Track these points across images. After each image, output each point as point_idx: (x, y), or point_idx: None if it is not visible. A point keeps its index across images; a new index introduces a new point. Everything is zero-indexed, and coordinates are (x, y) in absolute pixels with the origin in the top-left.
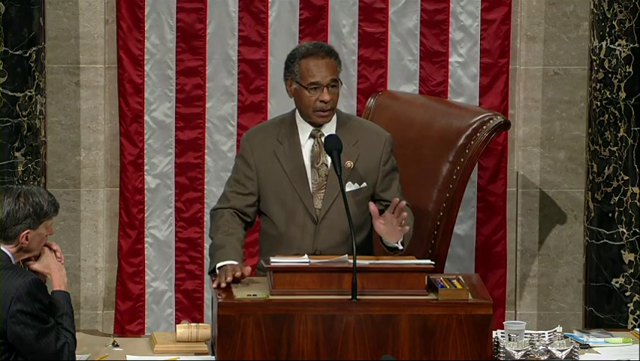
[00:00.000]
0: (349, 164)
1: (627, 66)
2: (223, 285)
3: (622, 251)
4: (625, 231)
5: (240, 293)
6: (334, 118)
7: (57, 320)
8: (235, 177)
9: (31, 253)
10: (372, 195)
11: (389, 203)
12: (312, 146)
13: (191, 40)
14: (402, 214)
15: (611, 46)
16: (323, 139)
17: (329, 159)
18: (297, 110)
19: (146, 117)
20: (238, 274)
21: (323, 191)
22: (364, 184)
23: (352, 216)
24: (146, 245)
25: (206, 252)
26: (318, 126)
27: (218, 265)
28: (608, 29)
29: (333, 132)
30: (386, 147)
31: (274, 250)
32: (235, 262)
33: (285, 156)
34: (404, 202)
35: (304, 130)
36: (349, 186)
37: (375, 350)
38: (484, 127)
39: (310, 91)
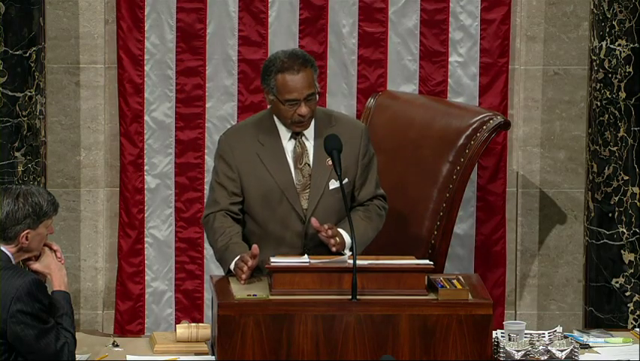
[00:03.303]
0: (330, 161)
1: (627, 66)
2: (244, 278)
3: (622, 251)
4: (625, 231)
5: (240, 293)
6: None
7: (57, 320)
8: (217, 180)
9: (31, 253)
10: (353, 189)
11: (361, 201)
12: (294, 147)
13: (191, 40)
14: (329, 239)
15: (611, 46)
16: (312, 140)
17: (311, 158)
18: None
19: (146, 117)
20: (250, 263)
21: (308, 191)
22: (346, 180)
23: (337, 212)
24: (146, 245)
25: (205, 252)
26: None
27: (231, 266)
28: (608, 29)
29: (312, 132)
30: (363, 139)
31: (263, 249)
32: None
33: (269, 157)
34: (330, 231)
35: (284, 131)
36: (332, 184)
37: (375, 350)
38: (484, 127)
39: (287, 106)
